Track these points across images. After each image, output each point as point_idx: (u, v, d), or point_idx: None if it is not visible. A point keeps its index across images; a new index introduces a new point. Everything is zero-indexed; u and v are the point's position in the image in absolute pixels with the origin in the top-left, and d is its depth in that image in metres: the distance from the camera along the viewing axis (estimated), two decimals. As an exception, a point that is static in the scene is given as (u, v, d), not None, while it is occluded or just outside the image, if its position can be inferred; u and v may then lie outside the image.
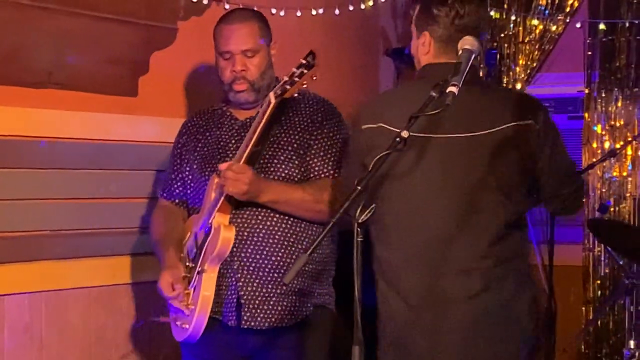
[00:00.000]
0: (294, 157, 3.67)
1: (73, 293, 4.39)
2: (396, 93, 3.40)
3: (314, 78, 3.52)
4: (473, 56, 2.89)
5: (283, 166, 3.66)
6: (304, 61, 3.46)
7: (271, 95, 3.47)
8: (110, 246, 4.51)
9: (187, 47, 4.85)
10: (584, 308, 5.87)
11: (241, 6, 4.72)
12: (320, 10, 5.47)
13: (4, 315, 4.15)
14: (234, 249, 3.58)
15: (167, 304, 3.77)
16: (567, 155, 3.31)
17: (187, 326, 3.60)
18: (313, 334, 3.74)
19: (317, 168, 3.70)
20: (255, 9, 5.06)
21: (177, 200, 3.93)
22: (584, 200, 3.46)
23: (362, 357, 2.59)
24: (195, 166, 3.82)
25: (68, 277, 4.38)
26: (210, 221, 3.57)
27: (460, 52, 2.91)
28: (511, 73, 6.00)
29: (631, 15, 5.73)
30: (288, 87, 3.43)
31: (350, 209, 2.59)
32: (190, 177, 3.85)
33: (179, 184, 3.92)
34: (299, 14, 5.35)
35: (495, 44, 6.00)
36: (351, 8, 5.64)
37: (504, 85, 5.93)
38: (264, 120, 3.47)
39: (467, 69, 2.81)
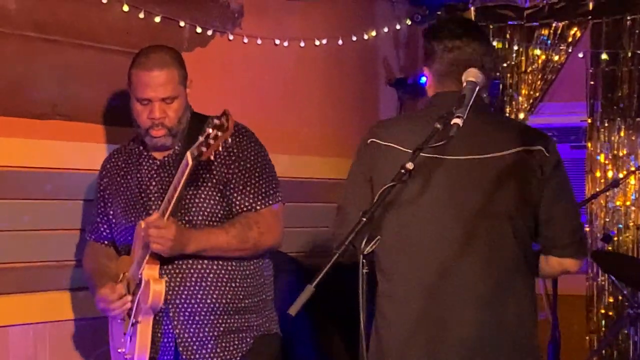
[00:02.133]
0: (214, 193, 3.62)
1: (77, 324, 4.40)
2: (405, 118, 3.40)
3: (229, 141, 3.46)
4: (477, 88, 2.89)
5: (205, 204, 3.61)
6: (217, 122, 3.32)
7: (188, 156, 3.36)
8: (114, 277, 4.50)
9: (191, 78, 4.84)
10: (588, 337, 5.88)
11: (245, 39, 4.77)
12: (324, 41, 5.55)
13: (9, 346, 4.16)
14: (168, 297, 3.55)
15: (109, 350, 3.78)
16: (574, 202, 3.29)
17: None
18: None
19: (238, 203, 3.64)
20: (259, 40, 5.14)
21: (105, 242, 3.89)
22: (582, 260, 3.34)
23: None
24: (119, 210, 3.76)
25: (72, 308, 4.38)
26: (140, 272, 3.54)
27: (464, 84, 2.90)
28: (514, 102, 6.05)
29: (633, 45, 5.78)
30: (204, 149, 3.32)
31: (355, 240, 2.55)
32: (114, 220, 3.79)
33: (105, 226, 3.87)
34: (302, 44, 5.42)
35: (497, 73, 6.04)
36: (354, 38, 5.73)
37: (507, 114, 5.96)
38: (182, 181, 3.40)
39: (472, 100, 2.82)
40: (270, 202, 3.67)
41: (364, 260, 2.60)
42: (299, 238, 5.12)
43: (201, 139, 3.32)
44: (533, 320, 3.23)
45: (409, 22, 6.09)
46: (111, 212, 3.79)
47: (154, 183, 3.67)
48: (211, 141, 3.30)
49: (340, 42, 5.65)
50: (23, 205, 4.22)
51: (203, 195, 3.60)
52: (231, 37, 5.09)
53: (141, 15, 4.62)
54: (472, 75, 2.90)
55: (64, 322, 4.37)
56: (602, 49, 5.85)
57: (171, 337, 3.59)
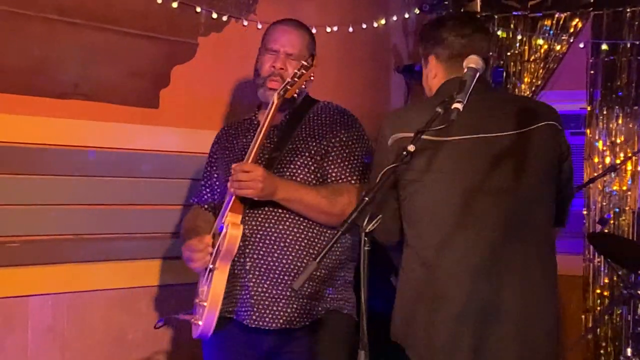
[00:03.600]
0: (310, 163, 3.67)
1: (95, 295, 4.48)
2: (415, 108, 3.43)
3: (312, 77, 3.66)
4: (477, 74, 2.96)
5: (299, 171, 3.66)
6: (305, 63, 3.60)
7: (275, 96, 3.59)
8: (131, 250, 4.59)
9: (207, 62, 4.94)
10: (583, 316, 5.93)
11: (259, 25, 4.87)
12: (335, 28, 5.60)
13: (29, 316, 4.25)
14: (247, 250, 3.60)
15: (192, 302, 3.78)
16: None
17: (199, 322, 3.59)
18: (325, 337, 3.69)
19: (334, 174, 3.68)
20: (272, 25, 5.21)
21: (205, 206, 3.96)
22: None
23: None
24: (221, 172, 3.86)
25: (90, 280, 4.46)
26: (223, 220, 3.59)
27: (465, 70, 2.98)
28: (517, 90, 6.06)
29: (632, 36, 5.80)
30: (289, 87, 3.56)
31: (358, 219, 2.64)
32: (217, 182, 3.90)
33: (207, 190, 3.96)
34: (314, 31, 5.36)
35: (501, 62, 6.08)
36: (364, 26, 5.77)
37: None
38: (268, 119, 3.55)
39: (472, 85, 2.89)
40: (366, 179, 3.69)
41: (365, 238, 2.64)
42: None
43: (289, 79, 3.54)
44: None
45: (417, 11, 6.09)
46: (215, 175, 3.92)
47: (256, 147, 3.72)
48: (296, 79, 3.51)
49: (351, 29, 5.68)
50: (43, 181, 4.29)
51: (299, 163, 3.68)
52: (246, 23, 5.12)
53: (159, 1, 4.68)
54: (472, 61, 2.99)
55: (82, 293, 4.43)
56: (602, 39, 5.87)
57: (248, 291, 3.62)
